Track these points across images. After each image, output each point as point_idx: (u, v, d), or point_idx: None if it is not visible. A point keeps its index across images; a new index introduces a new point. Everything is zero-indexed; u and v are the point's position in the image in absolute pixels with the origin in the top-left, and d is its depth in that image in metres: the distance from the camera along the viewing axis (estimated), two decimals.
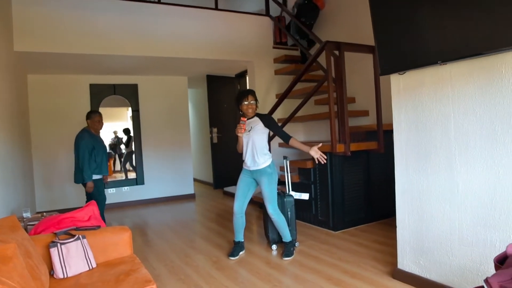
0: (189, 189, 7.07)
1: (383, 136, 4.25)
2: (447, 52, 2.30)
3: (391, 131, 4.45)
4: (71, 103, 6.15)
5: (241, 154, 3.56)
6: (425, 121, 2.57)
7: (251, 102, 3.44)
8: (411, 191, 2.70)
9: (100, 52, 4.94)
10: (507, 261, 1.10)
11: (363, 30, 4.85)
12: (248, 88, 6.53)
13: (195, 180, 7.83)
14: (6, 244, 1.71)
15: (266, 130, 3.52)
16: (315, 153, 3.34)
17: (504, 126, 2.13)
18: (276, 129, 3.52)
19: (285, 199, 3.71)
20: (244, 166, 3.56)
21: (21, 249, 1.90)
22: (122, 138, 8.41)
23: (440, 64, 2.37)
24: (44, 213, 3.52)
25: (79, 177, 4.23)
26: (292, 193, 3.82)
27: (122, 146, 8.44)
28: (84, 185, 4.24)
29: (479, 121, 2.25)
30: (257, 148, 3.43)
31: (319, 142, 4.39)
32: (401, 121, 2.75)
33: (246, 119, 3.37)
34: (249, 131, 3.44)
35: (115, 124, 8.35)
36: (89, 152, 4.18)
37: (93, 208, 2.84)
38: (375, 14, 2.73)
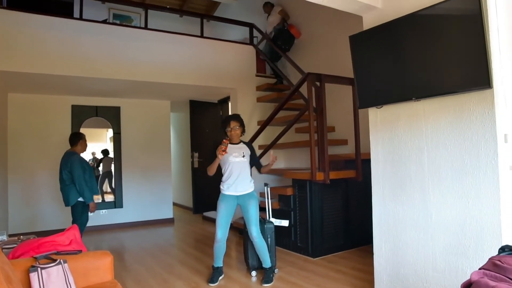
0: (168, 213, 7.03)
1: (361, 164, 4.39)
2: (421, 89, 2.47)
3: (369, 160, 4.66)
4: (52, 124, 6.11)
5: (212, 176, 3.55)
6: (400, 153, 2.71)
7: (236, 127, 3.54)
8: (387, 220, 2.81)
9: (84, 75, 4.97)
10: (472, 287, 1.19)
11: (342, 62, 5.07)
12: (231, 113, 6.64)
13: (174, 204, 7.79)
14: None
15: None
16: (271, 162, 3.53)
17: (472, 159, 2.28)
18: (254, 159, 3.70)
19: (265, 226, 3.76)
20: (226, 192, 3.57)
21: (2, 274, 1.90)
22: (98, 159, 8.33)
23: (415, 101, 2.53)
24: (21, 236, 3.46)
25: (73, 198, 4.17)
26: (272, 219, 3.88)
27: (100, 167, 8.36)
28: (75, 206, 4.20)
29: (450, 154, 2.40)
30: (247, 174, 3.56)
31: (299, 170, 4.51)
32: (378, 153, 2.89)
33: (228, 141, 3.40)
34: (243, 157, 3.53)
35: (94, 145, 8.28)
36: (84, 174, 4.17)
37: (75, 232, 2.83)
38: (354, 53, 2.90)
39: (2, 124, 5.32)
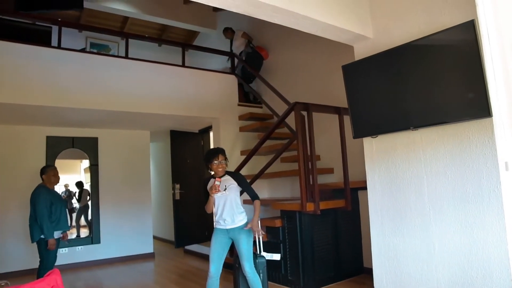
0: (149, 247, 6.73)
1: (350, 193, 4.35)
2: (418, 119, 2.46)
3: (357, 189, 4.65)
4: (25, 155, 5.81)
5: (210, 214, 3.47)
6: (398, 183, 2.67)
7: (222, 161, 3.44)
8: (387, 251, 2.74)
9: (61, 105, 4.76)
10: None
11: (321, 89, 5.12)
12: (212, 144, 6.55)
13: (155, 237, 7.48)
14: None
15: (239, 188, 3.51)
16: (255, 227, 3.40)
17: (474, 187, 2.26)
18: (246, 187, 3.55)
19: (257, 260, 3.60)
20: (217, 226, 3.44)
21: None
22: (73, 192, 8.00)
23: (412, 130, 2.52)
24: None
25: (37, 234, 3.95)
26: (263, 253, 3.74)
27: (74, 200, 8.01)
28: (40, 243, 3.96)
29: (451, 183, 2.37)
30: (234, 207, 3.40)
31: (285, 200, 4.42)
32: (375, 183, 2.84)
33: (221, 179, 3.32)
34: (224, 190, 3.39)
35: (67, 177, 7.96)
36: (47, 208, 3.96)
37: (56, 277, 2.60)
38: (348, 82, 2.90)
39: None
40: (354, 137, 2.89)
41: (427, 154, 2.50)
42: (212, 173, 3.65)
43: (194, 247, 6.63)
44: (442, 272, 2.41)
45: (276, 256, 3.79)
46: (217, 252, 3.38)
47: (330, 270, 4.38)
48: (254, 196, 3.49)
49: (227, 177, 3.52)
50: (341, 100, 4.61)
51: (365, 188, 4.60)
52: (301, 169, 4.12)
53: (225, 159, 3.50)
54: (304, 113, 4.34)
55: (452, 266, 2.35)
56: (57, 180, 4.24)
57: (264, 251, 3.81)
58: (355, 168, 4.59)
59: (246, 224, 3.40)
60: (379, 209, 2.81)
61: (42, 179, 4.16)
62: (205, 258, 6.24)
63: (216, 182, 3.27)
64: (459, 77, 2.28)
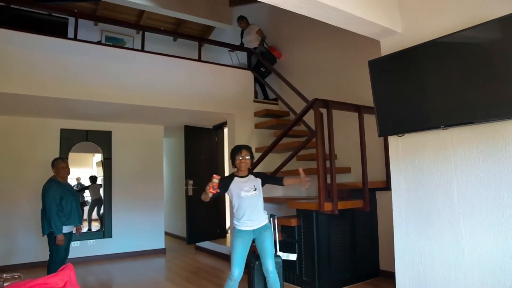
0: (160, 243, 6.68)
1: (368, 193, 4.23)
2: (450, 117, 2.33)
3: (374, 190, 4.52)
4: (39, 148, 5.79)
5: (222, 211, 3.38)
6: (426, 184, 2.55)
7: (246, 157, 3.35)
8: (411, 255, 2.62)
9: (76, 97, 4.70)
10: None
11: (338, 87, 5.00)
12: (227, 141, 6.47)
13: (166, 233, 7.44)
14: None
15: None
16: (303, 178, 3.28)
17: (510, 191, 2.13)
18: (271, 179, 3.54)
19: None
20: (240, 227, 3.31)
21: None
22: (85, 185, 7.99)
23: (443, 129, 2.40)
24: (4, 275, 3.12)
25: (47, 228, 3.92)
26: (279, 253, 3.65)
27: (86, 194, 8.00)
28: (50, 237, 3.92)
29: (483, 185, 2.25)
30: (260, 208, 3.35)
31: (300, 199, 4.32)
32: (400, 183, 2.73)
33: (220, 177, 3.15)
34: (254, 190, 3.32)
35: (80, 171, 7.95)
36: (56, 203, 3.91)
37: (70, 272, 2.54)
38: (374, 78, 2.78)
39: None
40: (380, 135, 2.77)
41: (457, 154, 2.38)
42: (233, 171, 3.58)
43: (206, 244, 6.57)
44: (471, 279, 2.29)
45: (293, 256, 3.69)
46: (241, 255, 3.26)
47: (346, 272, 4.27)
48: (279, 180, 3.44)
49: (252, 177, 3.45)
50: (360, 98, 4.54)
51: (383, 188, 4.53)
52: (319, 168, 4.01)
53: (251, 156, 3.42)
54: (323, 110, 4.24)
55: (483, 273, 2.23)
56: (67, 172, 4.19)
57: (279, 250, 3.72)
58: (372, 168, 4.47)
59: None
60: (404, 210, 2.69)
61: (53, 172, 4.11)
62: (217, 255, 6.19)
63: (214, 180, 3.08)
64: (496, 74, 2.15)
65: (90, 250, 6.08)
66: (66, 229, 4.04)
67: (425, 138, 2.56)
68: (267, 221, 3.39)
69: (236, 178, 3.40)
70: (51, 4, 5.00)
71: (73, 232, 4.28)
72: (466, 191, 2.33)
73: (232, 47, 6.64)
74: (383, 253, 4.49)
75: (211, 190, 3.07)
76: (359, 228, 4.44)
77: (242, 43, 6.72)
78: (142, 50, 5.42)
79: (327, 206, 3.93)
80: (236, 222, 3.35)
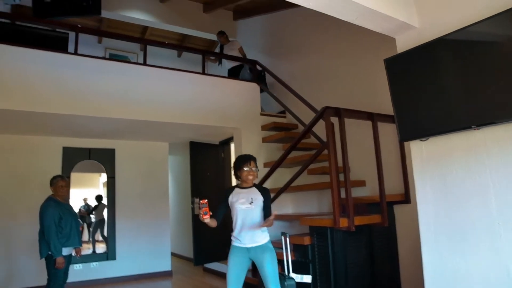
0: (166, 265, 6.38)
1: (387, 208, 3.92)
2: (482, 116, 2.06)
3: (392, 203, 4.21)
4: (41, 167, 5.59)
5: (215, 225, 3.08)
6: (457, 193, 2.25)
7: (253, 168, 3.11)
8: (444, 274, 2.31)
9: (77, 113, 4.55)
10: None
11: (356, 97, 4.76)
12: (234, 156, 6.23)
13: (173, 254, 7.13)
14: None
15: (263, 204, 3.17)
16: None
17: None
18: (267, 206, 3.18)
19: (285, 283, 3.20)
20: (235, 244, 3.07)
21: None
22: (92, 205, 7.78)
23: (474, 129, 2.12)
24: None
25: (44, 251, 3.67)
26: (293, 275, 3.33)
27: (92, 215, 7.79)
28: (48, 260, 3.67)
29: None
30: (255, 223, 3.05)
31: (312, 215, 4.02)
32: (426, 194, 2.43)
33: (206, 200, 2.85)
34: (250, 203, 3.05)
35: (86, 191, 7.75)
36: (55, 223, 3.67)
37: None
38: (392, 78, 2.53)
39: None
40: (401, 140, 2.51)
41: (493, 158, 2.09)
42: (237, 183, 3.33)
43: (214, 265, 6.25)
44: None
45: (307, 278, 3.38)
46: (235, 274, 3.00)
47: None
48: (268, 215, 3.11)
49: (254, 189, 3.20)
50: (373, 106, 4.28)
51: (401, 202, 4.22)
52: (333, 181, 3.72)
53: (256, 167, 3.20)
54: (334, 120, 3.98)
55: None
56: (66, 191, 3.98)
57: (292, 272, 3.41)
58: (389, 180, 4.17)
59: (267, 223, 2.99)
60: (432, 224, 2.39)
61: (52, 191, 3.89)
62: (226, 277, 5.84)
63: (202, 206, 2.79)
64: None
65: (93, 273, 5.81)
66: (65, 251, 3.81)
67: (453, 141, 2.28)
68: (266, 240, 3.08)
69: (236, 189, 3.18)
70: (52, 19, 4.85)
71: (73, 254, 4.03)
72: (506, 199, 2.03)
73: (235, 59, 6.46)
74: (405, 273, 4.14)
75: (203, 216, 2.79)
76: (377, 246, 4.11)
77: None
78: (145, 63, 5.25)
79: (343, 222, 3.62)
80: (232, 237, 3.11)
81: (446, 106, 2.22)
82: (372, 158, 4.08)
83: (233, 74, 6.39)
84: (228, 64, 6.63)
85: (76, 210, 7.88)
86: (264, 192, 3.20)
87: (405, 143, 4.09)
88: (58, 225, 3.72)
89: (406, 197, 4.16)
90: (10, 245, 5.27)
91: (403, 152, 4.21)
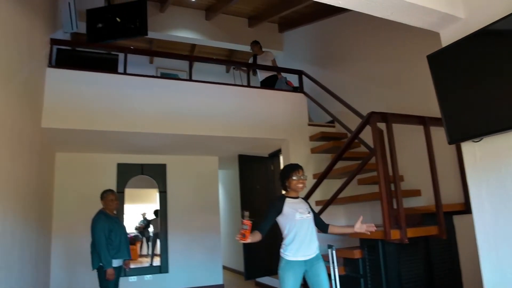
0: (218, 279, 6.36)
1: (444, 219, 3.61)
2: None
3: (451, 213, 3.87)
4: (98, 183, 5.81)
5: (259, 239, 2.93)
6: None
7: (302, 176, 3.01)
8: None
9: (129, 130, 4.75)
10: None
11: (405, 102, 4.51)
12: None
13: (225, 268, 7.12)
14: None
15: None
16: (361, 228, 2.98)
17: None
18: (316, 216, 3.14)
19: None
20: (293, 258, 2.92)
21: None
22: (152, 220, 8.02)
23: None
24: None
25: (96, 262, 3.81)
26: None
27: (150, 229, 8.02)
28: (99, 271, 3.79)
29: None
30: (315, 233, 3.02)
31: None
32: (482, 200, 2.18)
33: (251, 223, 2.65)
34: (309, 213, 3.02)
35: (144, 206, 8.02)
36: (105, 236, 3.80)
37: None
38: (436, 75, 2.32)
39: (49, 183, 5.15)
40: (450, 143, 2.27)
41: None
42: (284, 192, 3.24)
43: (266, 280, 6.13)
44: None
45: None
46: None
47: None
48: (324, 224, 3.16)
49: (301, 200, 3.14)
50: (425, 110, 4.00)
51: (461, 212, 3.86)
52: (382, 191, 3.50)
53: (305, 176, 3.13)
54: (382, 126, 3.77)
55: None
56: (116, 205, 4.12)
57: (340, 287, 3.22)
58: (447, 189, 3.86)
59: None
60: (492, 236, 2.13)
61: (102, 204, 4.04)
62: None
63: (243, 227, 2.58)
64: None
65: (147, 285, 5.94)
66: (115, 263, 3.92)
67: (511, 140, 2.03)
68: (318, 250, 3.02)
69: (288, 199, 3.06)
70: (104, 43, 5.13)
71: (122, 267, 4.13)
72: None
73: (282, 70, 6.42)
74: None
75: (241, 238, 2.59)
76: (436, 260, 3.78)
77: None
78: (190, 79, 5.38)
79: (394, 234, 3.37)
80: (285, 251, 2.95)
81: (503, 100, 1.98)
82: (427, 166, 3.80)
83: (266, 85, 6.34)
84: (260, 76, 6.58)
85: (135, 225, 8.20)
86: (308, 202, 3.19)
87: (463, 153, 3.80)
88: (108, 237, 3.84)
89: (467, 207, 3.81)
90: (70, 258, 5.52)
91: (461, 158, 3.88)
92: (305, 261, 2.94)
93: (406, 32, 4.78)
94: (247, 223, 2.61)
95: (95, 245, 3.84)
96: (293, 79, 6.48)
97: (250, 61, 6.83)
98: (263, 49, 6.73)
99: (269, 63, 6.50)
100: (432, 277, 3.71)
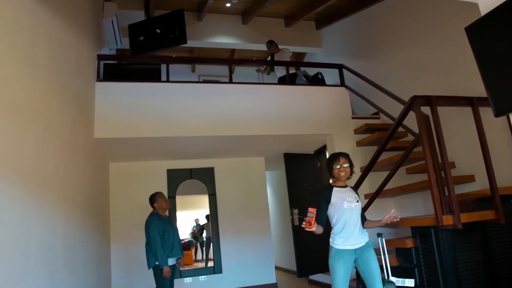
0: (271, 278, 6.40)
1: (501, 202, 3.41)
2: None
3: (510, 197, 3.66)
4: (149, 189, 5.97)
5: (321, 232, 2.94)
6: None
7: (344, 165, 3.00)
8: None
9: (175, 135, 4.93)
10: None
11: (450, 84, 4.34)
12: None
13: (277, 268, 7.13)
14: None
15: None
16: (387, 219, 2.94)
17: None
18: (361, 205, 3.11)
19: (384, 287, 2.97)
20: (339, 246, 2.92)
21: None
22: (204, 224, 8.23)
23: None
24: None
25: (152, 261, 3.97)
26: (392, 278, 3.08)
27: (204, 234, 8.22)
28: (155, 270, 3.96)
29: None
30: (358, 223, 2.97)
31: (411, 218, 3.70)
32: None
33: (316, 210, 2.77)
34: (357, 201, 3.01)
35: (195, 212, 8.23)
36: (160, 236, 3.95)
37: None
38: (477, 46, 2.24)
39: (105, 192, 5.45)
40: (496, 115, 2.16)
41: None
42: (331, 182, 3.24)
43: (319, 277, 6.09)
44: None
45: (409, 282, 3.10)
46: (344, 280, 2.85)
47: None
48: (364, 218, 3.11)
49: (350, 189, 3.15)
50: (473, 92, 3.83)
51: None
52: (430, 176, 3.38)
53: (350, 164, 3.08)
54: (427, 111, 3.64)
55: None
56: (168, 204, 4.30)
57: (392, 275, 3.15)
58: (503, 171, 3.66)
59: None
60: None
61: (154, 207, 4.21)
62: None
63: (309, 215, 2.71)
64: None
65: (202, 286, 6.08)
66: (170, 261, 4.07)
67: None
68: (368, 238, 2.96)
69: (335, 188, 3.06)
70: (147, 54, 5.39)
71: (176, 265, 4.28)
72: None
73: (322, 66, 6.40)
74: None
75: (307, 226, 2.71)
76: (495, 246, 3.58)
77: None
78: (231, 82, 5.50)
79: (447, 220, 3.25)
80: (334, 240, 2.94)
81: None
82: (480, 150, 3.63)
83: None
84: (279, 73, 6.62)
85: (189, 230, 8.45)
86: (357, 192, 3.19)
87: None
88: (162, 237, 4.00)
89: None
90: (128, 261, 5.80)
91: None
92: (355, 250, 2.91)
93: (444, 12, 4.62)
94: (312, 210, 2.73)
95: (150, 245, 4.00)
96: (334, 74, 6.44)
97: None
98: (279, 47, 6.76)
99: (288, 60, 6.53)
100: (491, 265, 3.52)
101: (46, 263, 2.58)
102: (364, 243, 2.95)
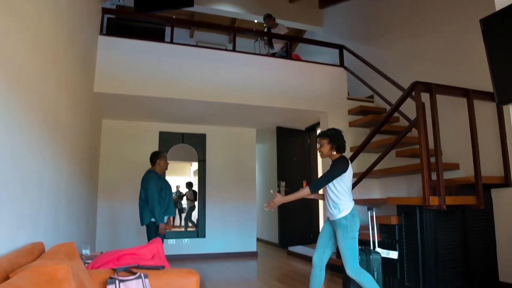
0: (252, 246, 6.61)
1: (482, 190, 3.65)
2: None
3: (489, 186, 3.90)
4: (140, 150, 6.11)
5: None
6: None
7: (320, 144, 3.12)
8: None
9: (172, 96, 4.95)
10: None
11: (449, 76, 4.49)
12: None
13: (258, 240, 7.34)
14: (57, 265, 1.43)
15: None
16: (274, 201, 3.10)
17: None
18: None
19: (371, 256, 3.17)
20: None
21: (75, 279, 1.61)
22: (183, 192, 8.35)
23: None
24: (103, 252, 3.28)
25: (147, 217, 4.04)
26: (378, 249, 3.28)
27: (183, 201, 8.35)
28: (149, 227, 4.05)
29: None
30: (329, 197, 3.01)
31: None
32: None
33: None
34: None
35: (177, 179, 8.33)
36: (158, 193, 4.02)
37: (158, 246, 2.55)
38: (489, 39, 2.36)
39: (95, 148, 5.46)
40: (499, 103, 2.32)
41: None
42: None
43: (298, 249, 6.33)
44: None
45: (394, 254, 3.31)
46: (322, 240, 3.10)
47: (458, 279, 3.70)
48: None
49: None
50: (468, 84, 4.00)
51: (500, 185, 3.88)
52: (423, 158, 3.56)
53: (330, 141, 3.05)
54: (425, 98, 3.80)
55: None
56: (167, 166, 4.34)
57: (379, 247, 3.35)
58: (486, 162, 3.88)
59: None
60: None
61: (153, 164, 4.24)
62: (310, 260, 5.86)
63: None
64: None
65: (185, 248, 6.24)
66: (164, 219, 4.13)
67: None
68: (340, 215, 2.92)
69: None
70: (151, 13, 5.32)
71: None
72: None
73: (322, 44, 6.44)
74: (503, 262, 3.82)
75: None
76: (472, 230, 3.84)
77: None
78: (233, 50, 5.51)
79: (433, 200, 3.46)
80: None
81: None
82: (467, 140, 3.84)
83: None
84: (276, 48, 6.60)
85: None
86: (332, 163, 3.06)
87: (505, 121, 3.80)
88: (160, 195, 4.06)
89: (506, 180, 3.83)
90: (115, 218, 5.89)
91: (503, 132, 3.88)
92: (330, 222, 3.08)
93: (453, 5, 4.73)
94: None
95: (145, 201, 4.04)
96: (330, 55, 6.53)
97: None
98: (276, 21, 6.68)
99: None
100: (467, 246, 3.78)
101: (52, 206, 2.64)
102: (333, 220, 2.99)
